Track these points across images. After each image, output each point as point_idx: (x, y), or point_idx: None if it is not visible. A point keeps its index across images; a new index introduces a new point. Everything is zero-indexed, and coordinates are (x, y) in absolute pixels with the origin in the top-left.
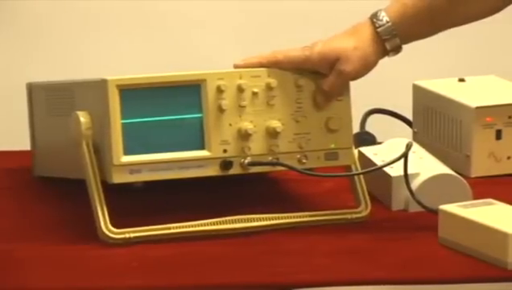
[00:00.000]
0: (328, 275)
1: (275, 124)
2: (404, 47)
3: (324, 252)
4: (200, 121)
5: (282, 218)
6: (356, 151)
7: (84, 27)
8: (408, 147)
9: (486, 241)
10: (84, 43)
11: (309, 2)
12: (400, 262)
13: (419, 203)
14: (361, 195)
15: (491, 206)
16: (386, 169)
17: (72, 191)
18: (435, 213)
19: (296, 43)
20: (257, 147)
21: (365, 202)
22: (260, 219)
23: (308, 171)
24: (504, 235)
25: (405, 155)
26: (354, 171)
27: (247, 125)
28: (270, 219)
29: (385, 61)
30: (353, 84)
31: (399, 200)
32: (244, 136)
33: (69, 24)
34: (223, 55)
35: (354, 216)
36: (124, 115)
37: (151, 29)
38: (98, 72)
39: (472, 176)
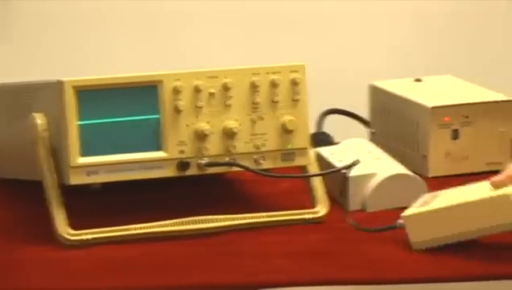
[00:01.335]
0: (289, 276)
1: (232, 124)
2: (361, 47)
3: (284, 253)
4: (157, 122)
5: (240, 219)
6: (312, 152)
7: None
8: (354, 164)
9: (486, 214)
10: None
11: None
12: (359, 262)
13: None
14: (318, 195)
15: (446, 194)
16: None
17: (31, 193)
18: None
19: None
20: (214, 147)
21: (323, 203)
22: (219, 220)
23: (265, 172)
24: (506, 197)
25: (349, 166)
26: (310, 172)
27: (204, 126)
28: (229, 220)
29: (341, 61)
30: (309, 84)
31: (356, 200)
32: (201, 137)
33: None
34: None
35: (312, 216)
36: (81, 116)
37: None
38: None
39: (430, 175)
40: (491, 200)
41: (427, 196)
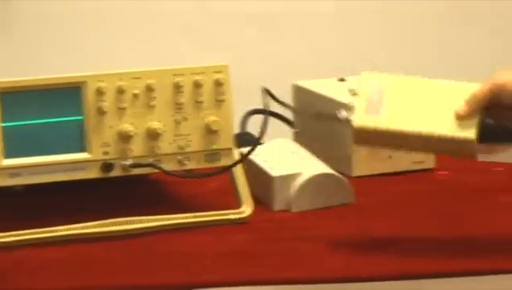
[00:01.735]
0: (219, 276)
1: (156, 125)
2: (284, 47)
3: (211, 253)
4: (81, 123)
5: (166, 220)
6: (237, 152)
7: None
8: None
9: (441, 146)
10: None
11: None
12: (285, 262)
13: None
14: (243, 195)
15: (395, 97)
16: (267, 169)
17: None
18: None
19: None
20: (138, 148)
21: (248, 203)
22: (144, 221)
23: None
24: (465, 140)
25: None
26: (236, 172)
27: (127, 127)
28: (154, 221)
29: (264, 62)
30: (233, 84)
31: (281, 200)
32: (125, 138)
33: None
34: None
35: (237, 217)
36: (4, 118)
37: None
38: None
39: (354, 175)
40: (454, 139)
41: (368, 90)
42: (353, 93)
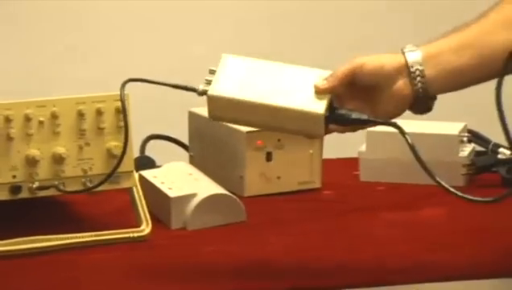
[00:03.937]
0: None
1: (60, 150)
2: (181, 77)
3: (114, 269)
4: None
5: (71, 238)
6: (137, 175)
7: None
8: None
9: (291, 121)
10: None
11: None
12: (183, 276)
13: None
14: (142, 214)
15: (261, 72)
16: (165, 191)
17: None
18: None
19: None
20: (44, 172)
21: (146, 221)
22: (52, 239)
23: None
24: (317, 115)
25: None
26: (135, 193)
27: (34, 152)
28: (60, 239)
29: (162, 90)
30: (133, 111)
31: (178, 219)
32: (31, 162)
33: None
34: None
35: (136, 235)
36: None
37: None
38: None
39: (246, 195)
40: (303, 113)
41: (226, 69)
42: (212, 72)
